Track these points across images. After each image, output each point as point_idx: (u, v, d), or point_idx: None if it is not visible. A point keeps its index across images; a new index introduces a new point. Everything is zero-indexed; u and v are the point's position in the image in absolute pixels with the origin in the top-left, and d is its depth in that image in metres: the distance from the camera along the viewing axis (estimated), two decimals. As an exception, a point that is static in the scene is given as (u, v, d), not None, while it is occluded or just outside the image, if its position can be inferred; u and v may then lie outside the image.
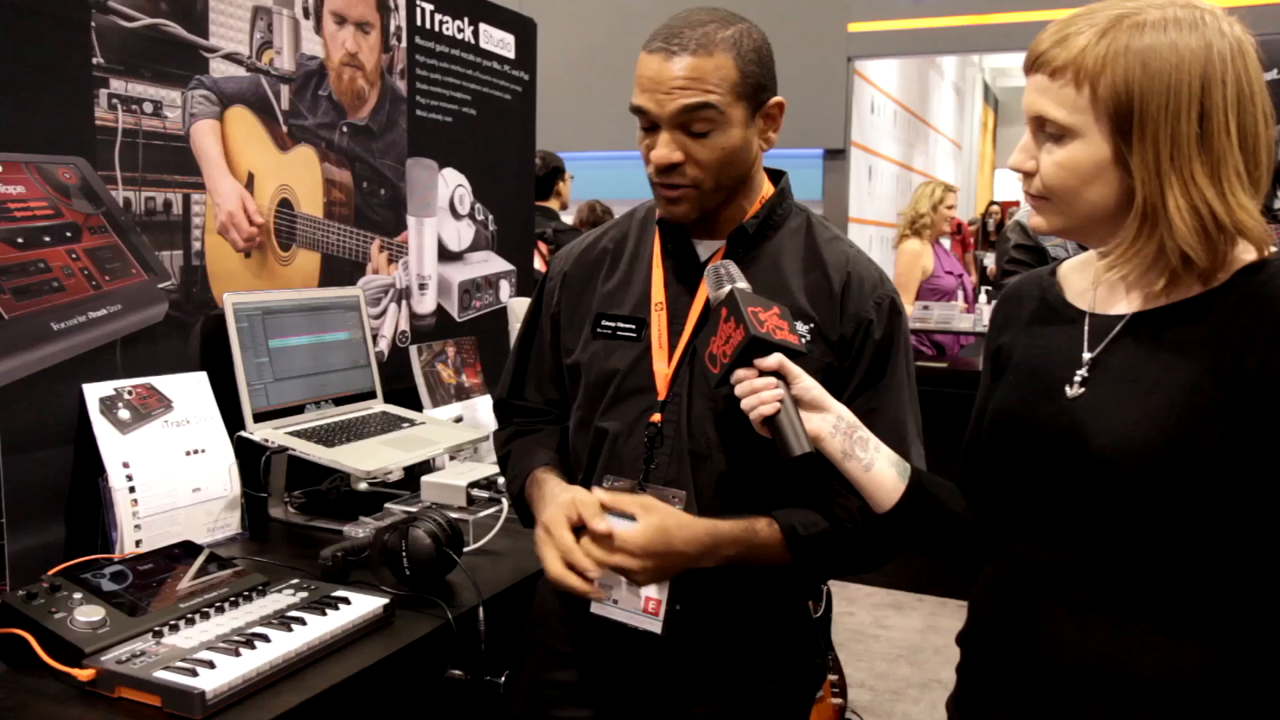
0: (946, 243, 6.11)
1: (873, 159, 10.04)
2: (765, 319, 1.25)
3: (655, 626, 1.36)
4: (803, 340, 1.35)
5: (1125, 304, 1.13)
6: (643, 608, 1.36)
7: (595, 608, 1.39)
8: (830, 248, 1.45)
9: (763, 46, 1.36)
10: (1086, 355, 1.12)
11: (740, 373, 1.25)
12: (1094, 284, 1.17)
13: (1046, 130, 1.08)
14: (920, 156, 12.88)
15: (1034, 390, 1.16)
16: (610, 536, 1.27)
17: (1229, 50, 1.02)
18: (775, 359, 1.24)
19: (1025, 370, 1.19)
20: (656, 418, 1.40)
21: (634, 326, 1.44)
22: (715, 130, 1.33)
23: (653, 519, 1.29)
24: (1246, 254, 1.06)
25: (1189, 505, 1.03)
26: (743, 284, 1.30)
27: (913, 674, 3.68)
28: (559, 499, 1.34)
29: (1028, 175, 1.12)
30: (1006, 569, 1.18)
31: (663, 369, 1.41)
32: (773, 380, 1.23)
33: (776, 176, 1.49)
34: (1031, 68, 1.09)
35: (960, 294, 5.24)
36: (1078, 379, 1.12)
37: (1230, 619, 1.04)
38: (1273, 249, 1.07)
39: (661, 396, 1.40)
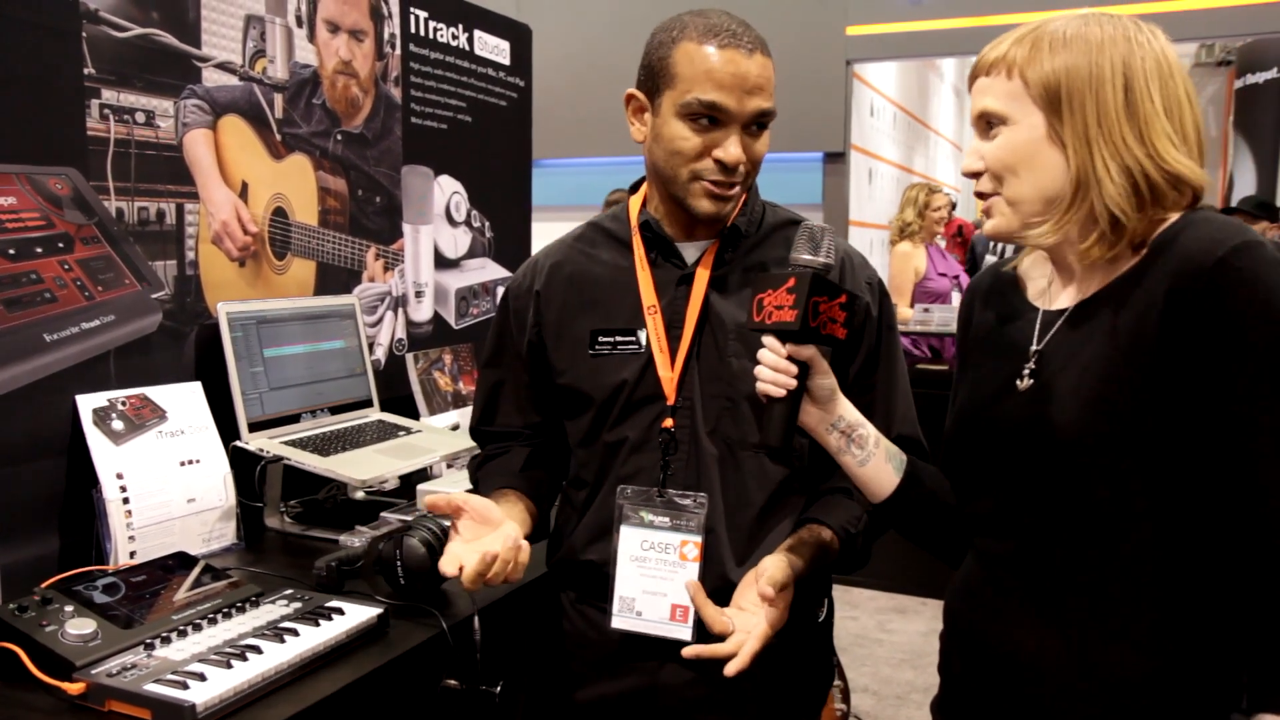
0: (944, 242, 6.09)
1: (873, 162, 10.04)
2: (824, 309, 1.20)
3: (685, 633, 1.35)
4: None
5: (1069, 297, 1.16)
6: (669, 616, 1.36)
7: (617, 622, 1.37)
8: None
9: None
10: (1033, 349, 1.16)
11: (770, 341, 1.21)
12: (1050, 279, 1.20)
13: (985, 124, 1.14)
14: (920, 159, 12.87)
15: (990, 385, 1.19)
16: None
17: (1146, 41, 1.09)
18: (809, 352, 1.20)
19: (984, 365, 1.23)
20: (669, 423, 1.39)
21: (634, 338, 1.43)
22: (765, 129, 1.38)
23: (774, 613, 1.29)
24: (1164, 227, 1.08)
25: (1132, 488, 1.04)
26: (826, 261, 1.22)
27: (916, 678, 3.66)
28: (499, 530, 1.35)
29: (978, 176, 1.16)
30: (974, 565, 1.21)
31: (668, 374, 1.40)
32: (794, 368, 1.20)
33: None
34: (972, 78, 1.16)
35: (956, 296, 5.23)
36: (1026, 372, 1.15)
37: (1184, 617, 1.05)
38: (1206, 192, 1.11)
39: (671, 401, 1.40)
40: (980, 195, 1.16)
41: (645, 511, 1.37)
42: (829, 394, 1.23)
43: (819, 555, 1.36)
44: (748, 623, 1.28)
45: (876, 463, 1.25)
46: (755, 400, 1.25)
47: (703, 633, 1.34)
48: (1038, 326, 1.17)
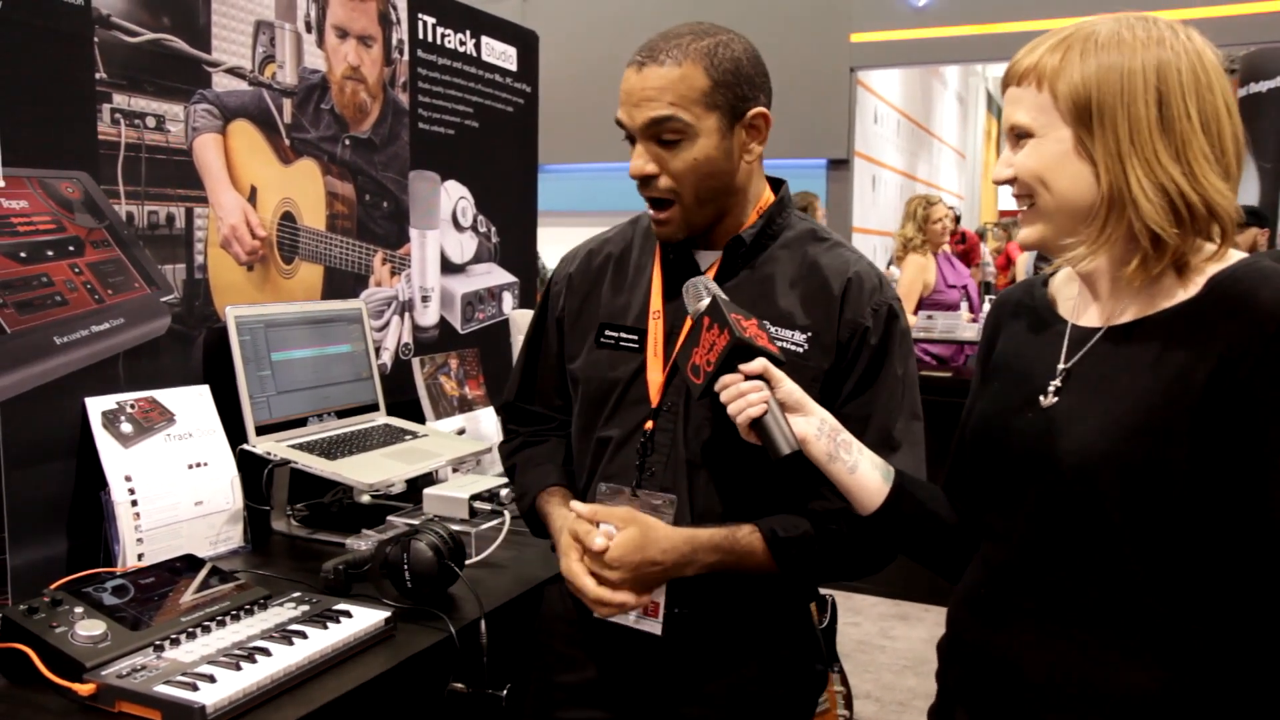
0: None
1: (876, 169, 10.05)
2: (747, 326, 1.27)
3: (655, 628, 1.39)
4: (800, 350, 1.39)
5: (1102, 316, 1.14)
6: (641, 610, 1.39)
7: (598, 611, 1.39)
8: (831, 254, 1.45)
9: (742, 57, 1.35)
10: (1061, 365, 1.13)
11: (726, 378, 1.26)
12: (1079, 295, 1.18)
13: (1015, 136, 1.12)
14: (924, 166, 12.87)
15: (1013, 398, 1.17)
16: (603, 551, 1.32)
17: (1183, 48, 1.05)
18: (760, 363, 1.25)
19: (1008, 378, 1.21)
20: (649, 425, 1.42)
21: (636, 337, 1.45)
22: (685, 140, 1.34)
23: (631, 530, 1.31)
24: (1216, 263, 1.07)
25: (1155, 517, 1.03)
26: (722, 294, 1.32)
27: (919, 685, 3.66)
28: (563, 530, 1.40)
29: (1011, 184, 1.14)
30: (979, 574, 1.19)
31: (656, 378, 1.42)
32: (759, 383, 1.24)
33: (777, 185, 1.50)
34: (1004, 85, 1.14)
35: (965, 305, 5.23)
36: (1052, 388, 1.13)
37: (1191, 637, 1.03)
38: (1242, 241, 1.08)
39: (654, 404, 1.42)
40: (1017, 199, 1.15)
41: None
42: (800, 398, 1.26)
43: (725, 544, 1.35)
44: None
45: (864, 470, 1.25)
46: (751, 445, 1.26)
47: (674, 628, 1.38)
48: (1066, 343, 1.15)
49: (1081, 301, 1.17)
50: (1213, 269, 1.07)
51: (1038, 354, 1.17)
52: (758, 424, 1.23)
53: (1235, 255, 1.08)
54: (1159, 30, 1.06)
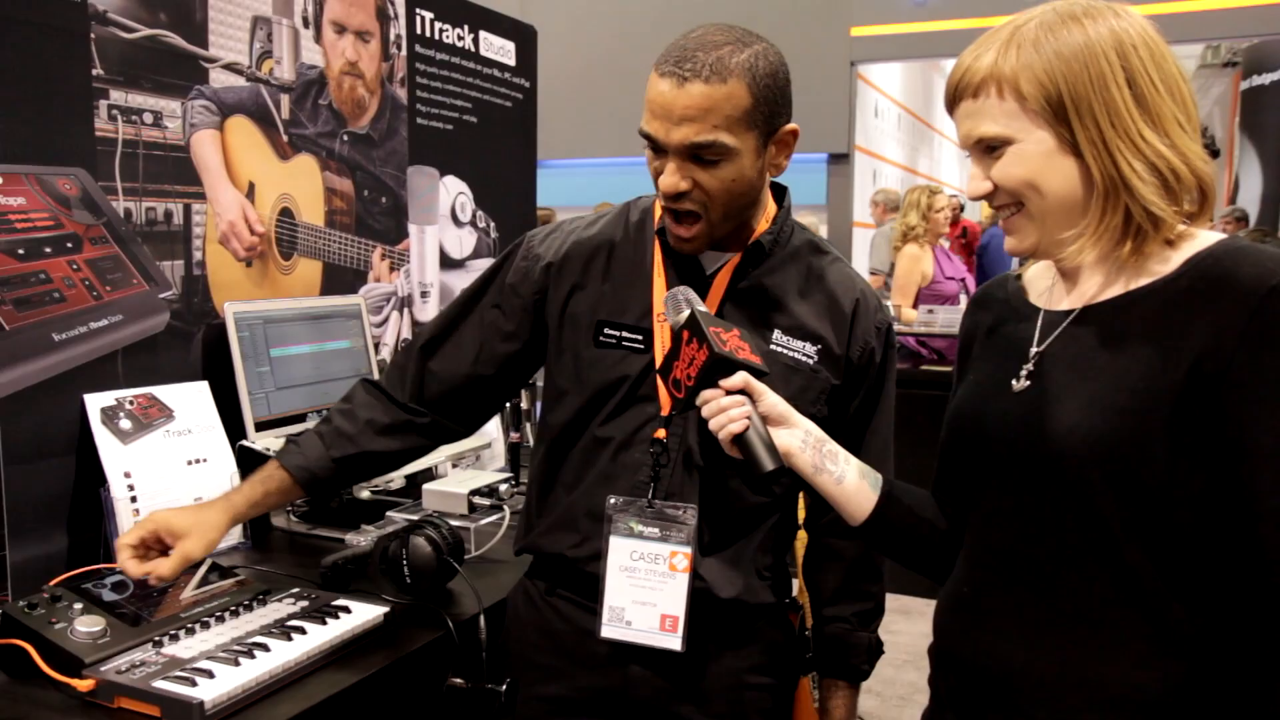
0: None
1: (877, 163, 10.04)
2: (727, 339, 1.23)
3: (675, 643, 1.35)
4: (811, 361, 1.39)
5: (1076, 299, 1.12)
6: (659, 626, 1.36)
7: (607, 631, 1.37)
8: (835, 269, 1.46)
9: (778, 70, 1.31)
10: (1034, 350, 1.13)
11: (706, 393, 1.22)
12: (1052, 283, 1.17)
13: (985, 148, 1.09)
14: (925, 160, 12.87)
15: (987, 388, 1.16)
16: None
17: (1128, 24, 1.05)
18: (740, 377, 1.21)
19: (982, 370, 1.20)
20: (661, 433, 1.39)
21: (640, 337, 1.41)
22: (725, 160, 1.29)
23: None
24: (1191, 241, 1.07)
25: (1142, 498, 1.01)
26: (701, 306, 1.28)
27: (919, 679, 3.66)
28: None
29: (990, 197, 1.11)
30: (962, 572, 1.18)
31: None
32: (740, 398, 1.21)
33: (779, 192, 1.48)
34: (953, 102, 1.11)
35: (964, 298, 5.22)
36: (1024, 373, 1.12)
37: (1193, 627, 1.02)
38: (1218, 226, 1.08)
39: (665, 412, 1.39)
40: (998, 209, 1.12)
41: (634, 522, 1.37)
42: (783, 411, 1.23)
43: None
44: None
45: (852, 480, 1.23)
46: (734, 460, 1.24)
47: (693, 642, 1.35)
48: (1039, 327, 1.14)
49: (1054, 288, 1.17)
50: (1189, 247, 1.06)
51: (1011, 342, 1.16)
52: (739, 439, 1.20)
53: (1209, 235, 1.07)
54: (1099, 12, 1.05)
